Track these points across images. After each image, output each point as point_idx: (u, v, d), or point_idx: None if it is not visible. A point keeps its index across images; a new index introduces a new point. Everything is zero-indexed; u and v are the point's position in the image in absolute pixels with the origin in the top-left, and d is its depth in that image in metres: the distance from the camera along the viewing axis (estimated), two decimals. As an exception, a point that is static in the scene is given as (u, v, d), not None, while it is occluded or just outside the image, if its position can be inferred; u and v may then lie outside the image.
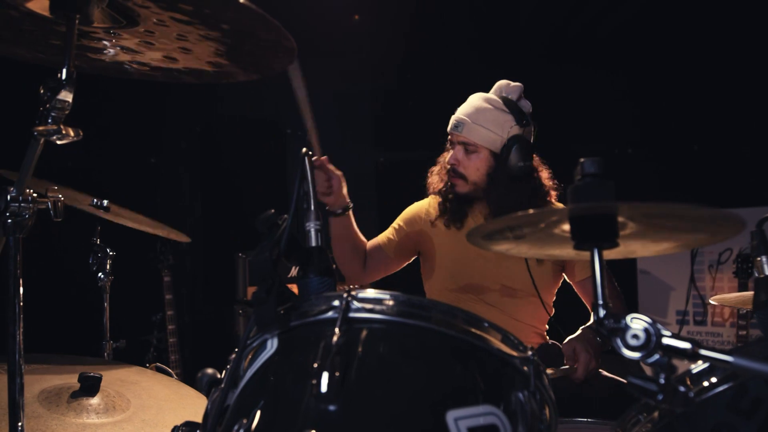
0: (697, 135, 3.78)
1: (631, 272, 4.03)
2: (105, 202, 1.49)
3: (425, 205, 2.09)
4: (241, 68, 1.18)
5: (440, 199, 2.03)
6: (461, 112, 1.95)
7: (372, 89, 4.32)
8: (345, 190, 1.89)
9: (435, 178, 2.06)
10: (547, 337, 2.05)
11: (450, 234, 1.99)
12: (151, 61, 1.17)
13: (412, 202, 2.16)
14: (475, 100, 1.96)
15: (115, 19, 1.00)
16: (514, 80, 1.98)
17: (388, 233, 2.08)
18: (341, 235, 1.95)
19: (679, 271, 3.96)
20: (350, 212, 1.94)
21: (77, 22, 0.97)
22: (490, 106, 1.91)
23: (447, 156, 1.99)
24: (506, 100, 1.92)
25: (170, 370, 2.23)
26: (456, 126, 1.93)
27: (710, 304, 3.82)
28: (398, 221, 2.10)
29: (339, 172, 1.88)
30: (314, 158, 1.88)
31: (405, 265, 2.12)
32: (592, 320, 1.89)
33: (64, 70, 0.97)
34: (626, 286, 3.98)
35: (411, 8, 3.74)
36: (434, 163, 2.09)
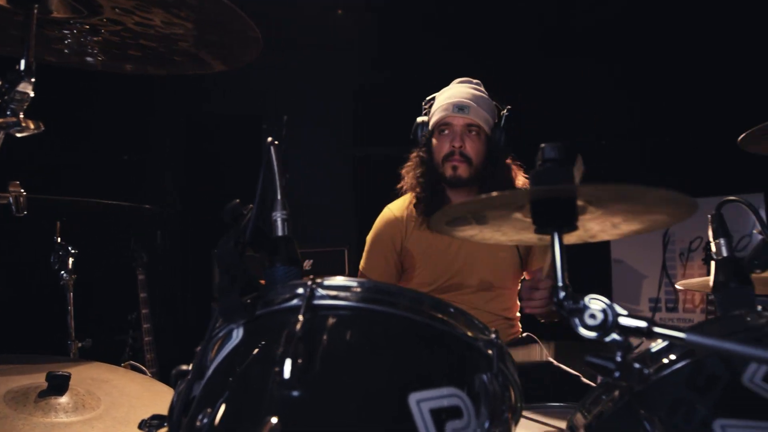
0: (671, 126, 3.85)
1: (605, 261, 4.11)
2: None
3: (391, 217, 2.07)
4: (208, 60, 1.16)
5: (413, 200, 2.02)
6: (459, 96, 1.96)
7: (351, 85, 4.31)
8: None
9: (410, 177, 2.04)
10: (520, 326, 2.09)
11: (426, 234, 1.99)
12: (116, 52, 1.15)
13: (388, 197, 2.14)
14: (464, 87, 2.00)
15: (77, 9, 0.98)
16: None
17: (381, 263, 2.05)
18: None
19: (652, 260, 4.05)
20: None
21: (35, 12, 0.95)
22: (481, 93, 1.99)
23: (441, 144, 1.97)
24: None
25: (144, 368, 2.21)
26: (461, 109, 1.93)
27: (681, 290, 3.92)
28: (370, 248, 2.08)
29: None
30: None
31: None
32: None
33: (23, 62, 0.96)
34: (600, 274, 4.07)
35: (392, 4, 3.74)
36: (406, 160, 2.08)
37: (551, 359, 1.95)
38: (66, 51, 1.08)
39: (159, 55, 1.06)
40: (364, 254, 2.10)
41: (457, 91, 1.98)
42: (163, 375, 3.19)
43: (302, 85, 4.27)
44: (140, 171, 4.13)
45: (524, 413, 1.42)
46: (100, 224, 1.83)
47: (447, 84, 2.07)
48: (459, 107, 1.92)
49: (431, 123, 1.99)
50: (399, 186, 2.07)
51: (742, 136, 1.23)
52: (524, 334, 2.04)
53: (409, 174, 2.05)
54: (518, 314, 2.09)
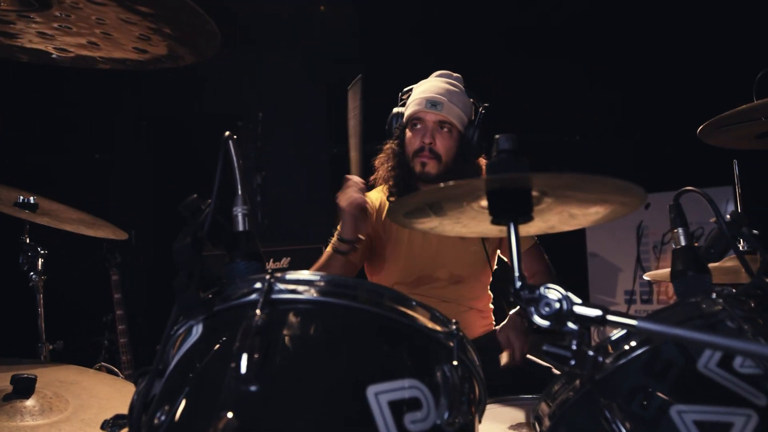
0: (640, 122, 3.91)
1: (581, 255, 4.16)
2: (32, 198, 1.43)
3: (371, 198, 2.05)
4: (167, 54, 1.15)
5: (384, 194, 2.02)
6: (433, 91, 1.94)
7: (326, 81, 4.29)
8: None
9: (384, 168, 2.03)
10: (493, 318, 2.10)
11: (397, 228, 1.98)
12: (72, 47, 1.13)
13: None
14: (441, 82, 1.97)
15: (26, 1, 0.96)
16: (470, 71, 2.03)
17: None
18: (340, 269, 1.89)
19: (626, 253, 4.11)
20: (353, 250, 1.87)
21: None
22: (456, 89, 1.96)
23: (413, 139, 1.95)
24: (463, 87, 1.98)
25: (117, 370, 2.18)
26: (433, 105, 1.91)
27: (656, 282, 3.99)
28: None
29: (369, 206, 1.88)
30: (354, 177, 1.86)
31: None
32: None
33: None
34: (577, 267, 4.12)
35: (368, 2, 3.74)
36: (378, 153, 2.07)
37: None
38: (22, 45, 1.05)
39: (115, 47, 1.04)
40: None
41: (432, 85, 1.96)
42: (140, 377, 3.15)
43: (277, 83, 4.25)
44: (111, 170, 4.08)
45: (496, 406, 1.44)
46: (72, 222, 1.80)
47: (421, 77, 2.05)
48: (432, 103, 1.90)
49: (405, 116, 1.99)
50: (372, 177, 2.06)
51: (699, 128, 1.25)
52: (494, 329, 2.06)
53: (382, 166, 2.04)
54: (491, 306, 2.10)
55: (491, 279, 2.07)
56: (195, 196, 0.91)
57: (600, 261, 4.22)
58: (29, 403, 1.39)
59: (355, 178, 1.83)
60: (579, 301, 0.76)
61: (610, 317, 0.74)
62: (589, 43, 3.79)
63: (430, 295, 1.95)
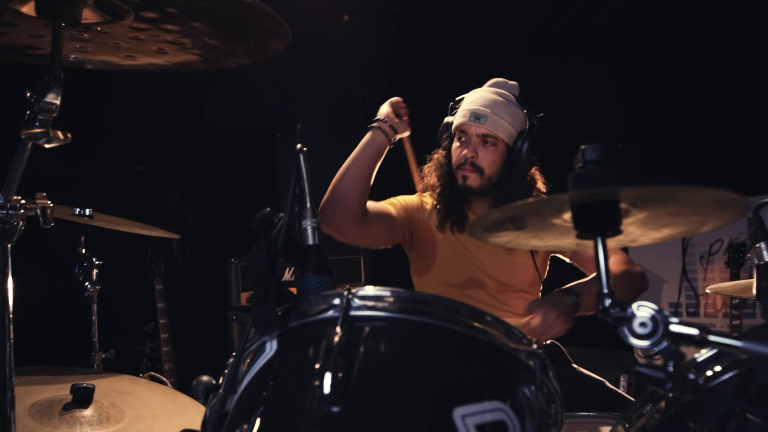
0: (685, 128, 3.81)
1: (624, 266, 4.05)
2: (88, 210, 1.46)
3: (418, 201, 2.04)
4: (233, 54, 1.14)
5: (433, 200, 2.00)
6: (478, 104, 1.90)
7: (362, 90, 4.31)
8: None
9: (432, 178, 2.00)
10: None
11: (442, 234, 1.97)
12: (139, 54, 1.14)
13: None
14: (489, 93, 1.93)
15: (103, 14, 0.98)
16: (500, 76, 1.97)
17: (391, 207, 1.98)
18: (368, 161, 1.87)
19: (671, 264, 4.00)
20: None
21: (64, 24, 0.95)
22: (505, 100, 1.91)
23: (457, 151, 1.93)
24: (516, 96, 1.92)
25: (164, 379, 2.19)
26: (477, 118, 1.88)
27: (703, 295, 3.86)
28: (398, 202, 2.01)
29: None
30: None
31: (389, 247, 2.04)
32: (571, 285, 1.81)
33: (51, 72, 0.95)
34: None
35: (397, 8, 3.74)
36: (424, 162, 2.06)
37: (574, 365, 1.91)
38: (90, 51, 1.06)
39: (185, 49, 1.04)
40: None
41: (480, 96, 1.93)
42: (182, 385, 3.19)
43: (314, 94, 4.27)
44: (152, 182, 4.15)
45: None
46: (119, 234, 1.83)
47: (457, 89, 2.02)
48: (476, 115, 1.87)
49: (453, 125, 1.96)
50: (421, 186, 2.04)
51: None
52: (548, 341, 2.00)
53: (430, 175, 2.02)
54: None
55: (542, 288, 2.02)
56: (268, 209, 0.90)
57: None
58: (87, 412, 1.40)
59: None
60: (675, 319, 0.72)
61: (711, 337, 0.70)
62: (632, 46, 3.72)
63: (479, 300, 1.92)
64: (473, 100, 1.92)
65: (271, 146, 4.36)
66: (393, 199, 2.03)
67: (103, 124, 3.72)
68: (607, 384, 1.84)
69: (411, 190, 2.13)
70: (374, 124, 1.88)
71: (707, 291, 1.73)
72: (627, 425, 0.95)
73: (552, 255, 2.03)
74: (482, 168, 1.88)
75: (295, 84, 4.21)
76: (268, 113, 4.29)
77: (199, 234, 4.18)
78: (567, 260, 2.02)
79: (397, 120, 1.89)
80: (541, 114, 1.92)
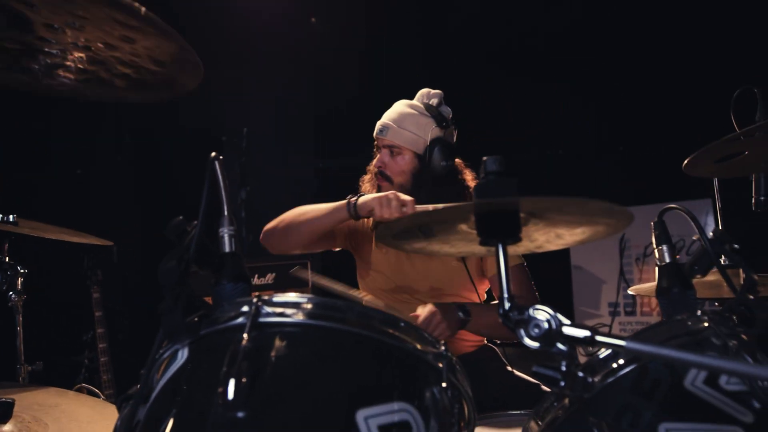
0: (622, 137, 3.98)
1: (566, 267, 4.20)
2: (12, 217, 1.41)
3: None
4: (147, 88, 1.11)
5: None
6: (386, 117, 2.03)
7: (313, 96, 4.30)
8: None
9: (367, 186, 2.11)
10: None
11: (378, 240, 2.03)
12: (66, 74, 1.10)
13: None
14: (399, 106, 2.04)
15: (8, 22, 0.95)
16: (452, 88, 2.07)
17: None
18: (333, 225, 1.90)
19: (610, 265, 4.15)
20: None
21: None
22: (412, 111, 2.00)
23: (374, 161, 2.05)
24: (427, 106, 2.00)
25: (97, 391, 2.13)
26: (381, 130, 2.00)
27: (639, 295, 4.03)
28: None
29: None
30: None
31: (325, 249, 2.14)
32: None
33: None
34: (561, 280, 4.15)
35: (359, 17, 3.76)
36: (365, 172, 2.13)
37: (509, 368, 1.97)
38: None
39: (100, 80, 1.02)
40: None
41: (390, 110, 2.04)
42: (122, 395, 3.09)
43: (262, 97, 4.25)
44: (92, 186, 4.03)
45: (484, 422, 1.43)
46: (53, 241, 1.77)
47: (404, 94, 2.09)
48: (380, 129, 2.00)
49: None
50: (361, 191, 2.10)
51: (685, 162, 1.27)
52: (484, 344, 2.05)
53: (364, 184, 2.12)
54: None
55: (484, 296, 2.07)
56: (180, 218, 0.90)
57: (584, 273, 4.26)
58: (6, 428, 1.35)
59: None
60: (568, 322, 0.76)
61: (598, 338, 0.74)
62: (570, 59, 3.86)
63: (411, 305, 1.95)
64: (385, 114, 2.04)
65: (218, 151, 4.30)
66: None
67: (41, 125, 3.60)
68: (543, 387, 1.90)
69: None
70: (352, 200, 1.83)
71: (629, 292, 1.81)
72: (539, 420, 0.99)
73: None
74: (390, 177, 1.99)
75: (242, 88, 4.18)
76: (215, 117, 4.23)
77: (141, 240, 4.08)
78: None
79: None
80: (445, 123, 1.99)
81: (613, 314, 4.12)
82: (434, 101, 2.01)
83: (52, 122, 3.66)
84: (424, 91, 2.05)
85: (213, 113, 4.19)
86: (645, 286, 1.75)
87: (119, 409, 0.88)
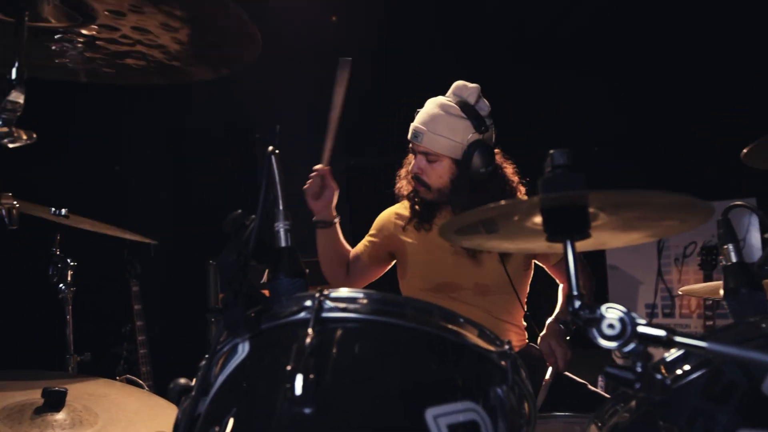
0: (662, 132, 3.87)
1: (601, 267, 4.11)
2: (64, 210, 1.43)
3: (396, 210, 2.11)
4: (206, 63, 1.13)
5: (407, 207, 2.06)
6: (418, 121, 1.92)
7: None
8: (334, 204, 1.97)
9: (403, 182, 2.07)
10: (526, 333, 2.06)
11: (421, 236, 2.00)
12: (116, 61, 1.12)
13: (382, 206, 2.16)
14: (431, 107, 1.92)
15: (72, 16, 0.96)
16: (482, 82, 1.95)
17: (364, 242, 2.12)
18: (325, 246, 2.02)
19: (647, 266, 4.06)
20: (336, 225, 2.00)
21: (26, 18, 0.93)
22: (446, 114, 1.88)
23: (411, 162, 1.99)
24: (463, 105, 1.88)
25: (141, 382, 2.17)
26: (415, 136, 1.91)
27: (678, 296, 3.93)
28: (372, 230, 2.13)
29: (335, 185, 1.95)
30: (318, 166, 1.96)
31: (385, 270, 2.15)
32: (556, 311, 1.97)
33: (14, 70, 0.93)
34: (597, 281, 4.06)
35: (381, 12, 3.74)
36: (401, 166, 2.09)
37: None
38: (69, 64, 1.04)
39: (159, 63, 1.03)
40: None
41: (423, 112, 1.93)
42: (159, 388, 3.15)
43: (292, 95, 4.25)
44: (129, 183, 4.10)
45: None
46: (94, 235, 1.80)
47: (434, 92, 2.00)
48: (414, 134, 1.92)
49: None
50: (397, 187, 2.09)
51: (745, 150, 1.22)
52: (529, 344, 2.02)
53: (401, 180, 2.08)
54: (524, 322, 2.06)
55: (527, 292, 2.04)
56: (239, 211, 0.90)
57: (620, 274, 4.16)
58: (60, 416, 1.38)
59: (319, 167, 1.96)
60: (643, 321, 0.73)
61: (677, 338, 0.71)
62: (603, 52, 3.77)
63: (457, 301, 1.93)
64: (418, 116, 1.94)
65: (250, 147, 4.34)
66: (372, 227, 2.13)
67: (79, 123, 3.67)
68: (590, 387, 1.87)
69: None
70: (317, 226, 1.99)
71: (679, 292, 1.76)
72: (600, 424, 0.96)
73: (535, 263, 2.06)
74: (428, 183, 1.92)
75: (274, 85, 4.19)
76: (247, 114, 4.26)
77: (177, 235, 4.14)
78: (548, 270, 2.06)
79: (318, 208, 1.97)
80: (488, 122, 1.90)
81: (651, 315, 4.02)
82: (471, 98, 1.89)
83: (89, 119, 3.73)
84: (459, 84, 1.93)
85: (245, 111, 4.22)
86: (697, 287, 1.69)
87: (177, 402, 0.88)
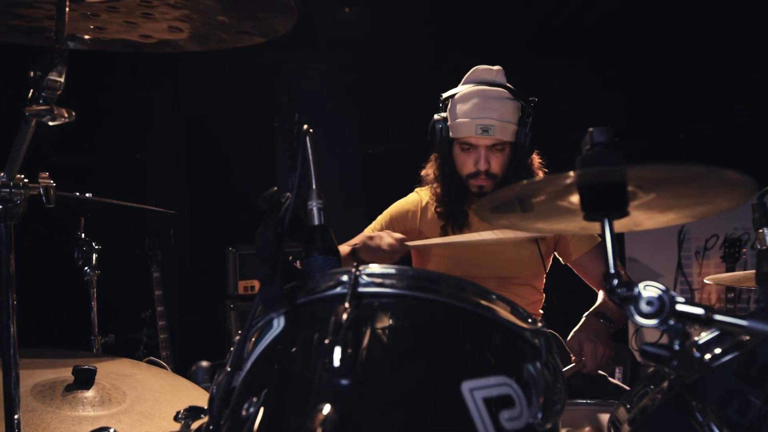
0: (682, 123, 3.83)
1: (620, 260, 4.08)
2: (88, 194, 1.46)
3: (415, 200, 2.06)
4: (243, 31, 1.14)
5: (432, 194, 2.01)
6: (485, 114, 1.85)
7: (359, 81, 4.30)
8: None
9: (432, 176, 2.01)
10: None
11: (441, 227, 1.97)
12: (156, 33, 1.13)
13: (398, 193, 2.12)
14: (485, 99, 1.87)
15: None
16: (513, 66, 1.95)
17: (375, 227, 2.05)
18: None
19: (667, 258, 4.02)
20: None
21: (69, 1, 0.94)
22: (504, 97, 1.87)
23: (465, 161, 1.91)
24: (507, 88, 1.89)
25: (164, 364, 2.20)
26: (485, 130, 1.84)
27: (698, 289, 3.89)
28: (386, 216, 2.06)
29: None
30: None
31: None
32: (596, 304, 1.91)
33: (55, 49, 0.94)
34: (616, 273, 4.03)
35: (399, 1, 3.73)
36: (410, 157, 2.05)
37: (573, 357, 1.92)
38: (101, 36, 1.06)
39: (196, 29, 1.04)
40: (377, 220, 2.08)
41: (480, 105, 1.85)
42: (179, 373, 3.19)
43: (308, 83, 4.26)
44: (149, 169, 4.14)
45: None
46: (117, 221, 1.83)
47: (451, 79, 1.97)
48: (483, 128, 1.83)
49: (452, 132, 1.90)
50: (423, 172, 2.04)
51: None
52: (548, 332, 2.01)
53: (432, 173, 2.01)
54: (541, 311, 2.05)
55: (544, 281, 2.03)
56: (275, 188, 0.91)
57: (639, 266, 4.13)
58: (89, 394, 1.41)
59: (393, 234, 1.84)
60: (681, 298, 0.73)
61: (716, 317, 0.70)
62: (624, 42, 3.73)
63: None
64: (475, 109, 1.85)
65: (269, 135, 4.36)
66: (387, 214, 2.06)
67: (99, 112, 3.71)
68: (609, 379, 1.86)
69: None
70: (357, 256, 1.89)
71: (706, 281, 1.74)
72: (629, 406, 0.96)
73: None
74: (495, 174, 1.89)
75: (293, 73, 4.20)
76: (267, 103, 4.28)
77: (196, 222, 4.18)
78: (563, 262, 2.04)
79: (369, 259, 1.86)
80: (535, 98, 1.90)
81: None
82: (502, 79, 1.91)
83: (109, 107, 3.76)
84: (481, 68, 1.91)
85: (265, 99, 4.23)
86: (723, 276, 1.68)
87: (211, 379, 0.90)
